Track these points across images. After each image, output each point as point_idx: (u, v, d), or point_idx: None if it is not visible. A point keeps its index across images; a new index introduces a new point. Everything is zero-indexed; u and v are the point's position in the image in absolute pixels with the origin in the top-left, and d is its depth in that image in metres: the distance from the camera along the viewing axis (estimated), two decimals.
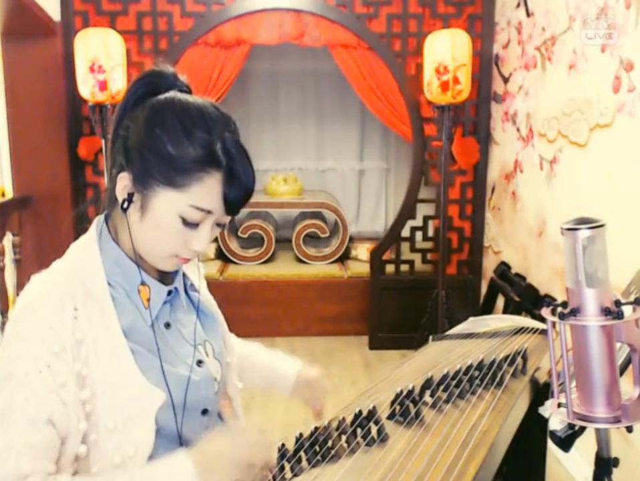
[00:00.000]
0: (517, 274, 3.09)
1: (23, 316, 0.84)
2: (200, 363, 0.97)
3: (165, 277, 0.97)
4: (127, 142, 0.88)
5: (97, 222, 0.95)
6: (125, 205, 0.88)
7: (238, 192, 0.87)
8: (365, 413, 1.03)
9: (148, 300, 0.92)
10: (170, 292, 0.96)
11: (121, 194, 0.89)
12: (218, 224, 0.92)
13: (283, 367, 1.26)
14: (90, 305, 0.86)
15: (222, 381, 1.02)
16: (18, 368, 0.80)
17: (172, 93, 0.90)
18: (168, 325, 0.96)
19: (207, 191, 0.85)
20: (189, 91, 0.94)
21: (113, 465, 0.85)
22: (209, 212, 0.87)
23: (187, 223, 0.87)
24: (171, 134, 0.85)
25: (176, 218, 0.86)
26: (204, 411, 0.97)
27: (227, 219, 0.92)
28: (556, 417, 1.02)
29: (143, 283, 0.92)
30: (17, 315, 0.84)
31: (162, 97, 0.89)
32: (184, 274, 1.03)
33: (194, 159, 0.84)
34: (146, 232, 0.89)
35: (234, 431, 0.90)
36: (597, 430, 1.02)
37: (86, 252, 0.92)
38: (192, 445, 0.94)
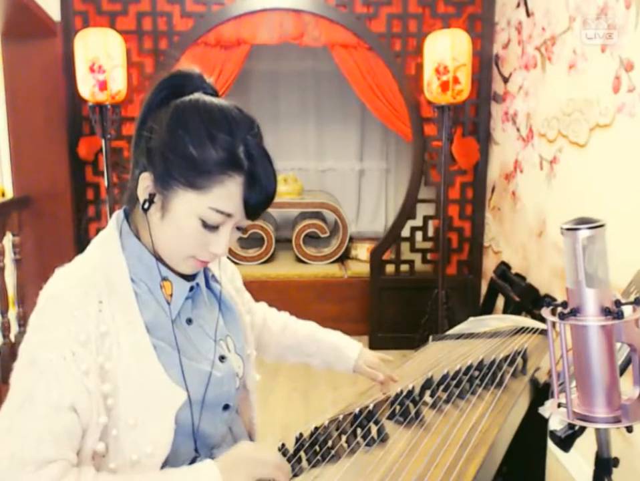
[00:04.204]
0: (517, 274, 3.09)
1: (48, 306, 0.84)
2: (222, 358, 0.97)
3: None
4: (150, 143, 0.88)
5: (117, 218, 0.95)
6: (146, 205, 0.88)
7: (259, 196, 0.87)
8: (365, 413, 1.03)
9: (171, 295, 0.92)
10: (191, 288, 0.96)
11: (142, 194, 0.89)
12: (238, 228, 0.92)
13: (345, 348, 1.29)
14: (114, 300, 0.86)
15: (244, 374, 1.02)
16: (42, 355, 0.80)
17: (196, 95, 0.90)
18: (189, 321, 0.96)
19: (228, 194, 0.85)
20: (215, 93, 0.94)
21: (131, 462, 0.85)
22: (229, 215, 0.87)
23: (207, 225, 0.87)
24: (193, 136, 0.85)
25: (195, 220, 0.86)
26: (226, 407, 0.97)
27: (247, 222, 0.92)
28: (556, 417, 1.02)
29: (165, 279, 0.92)
30: (42, 305, 0.84)
31: (186, 98, 0.89)
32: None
33: (215, 161, 0.84)
34: (166, 233, 0.89)
35: (260, 445, 0.91)
36: (597, 430, 1.02)
37: (107, 248, 0.92)
38: (211, 439, 0.96)
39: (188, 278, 0.96)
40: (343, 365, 1.28)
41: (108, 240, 0.93)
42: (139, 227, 0.93)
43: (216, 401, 0.95)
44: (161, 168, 0.86)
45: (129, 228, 0.93)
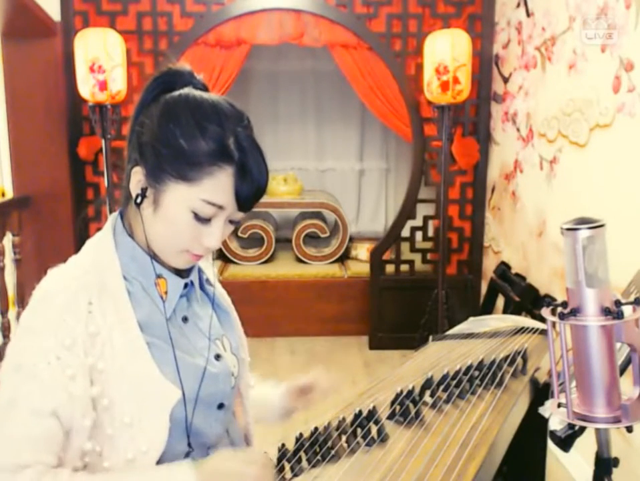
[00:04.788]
0: (517, 274, 3.09)
1: (38, 308, 0.84)
2: (218, 357, 0.97)
3: (181, 270, 0.97)
4: (142, 137, 0.88)
5: (112, 218, 0.96)
6: (138, 200, 0.89)
7: (250, 187, 0.87)
8: (365, 413, 1.03)
9: (165, 293, 0.93)
10: (186, 286, 0.97)
11: (135, 188, 0.89)
12: (231, 221, 0.92)
13: (268, 397, 1.20)
14: (106, 299, 0.86)
15: (238, 376, 1.02)
16: (27, 359, 0.80)
17: (186, 90, 0.90)
18: (185, 319, 0.96)
19: (219, 185, 0.85)
20: (205, 89, 0.94)
21: (126, 461, 0.85)
22: (221, 207, 0.87)
23: (199, 218, 0.87)
24: (184, 128, 0.85)
25: (187, 213, 0.86)
26: (220, 406, 0.97)
27: (239, 215, 0.92)
28: (556, 417, 1.02)
29: (159, 276, 0.92)
30: (32, 307, 0.85)
31: (176, 93, 0.90)
32: (199, 269, 1.03)
33: (206, 153, 0.84)
34: (159, 227, 0.89)
35: (241, 454, 0.88)
36: (597, 430, 1.03)
37: (102, 247, 0.92)
38: (206, 438, 0.96)
39: (182, 275, 0.96)
40: (270, 415, 1.21)
41: (102, 240, 0.93)
42: (132, 223, 0.94)
43: (211, 398, 0.95)
44: (152, 161, 0.87)
45: (123, 227, 0.94)
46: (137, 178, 0.89)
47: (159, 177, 0.86)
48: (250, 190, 0.87)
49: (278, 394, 1.20)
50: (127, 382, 0.85)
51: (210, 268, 1.07)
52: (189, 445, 0.93)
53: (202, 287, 1.03)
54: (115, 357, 0.84)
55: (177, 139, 0.85)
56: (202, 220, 0.87)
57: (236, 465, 0.83)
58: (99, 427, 0.84)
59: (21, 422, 0.77)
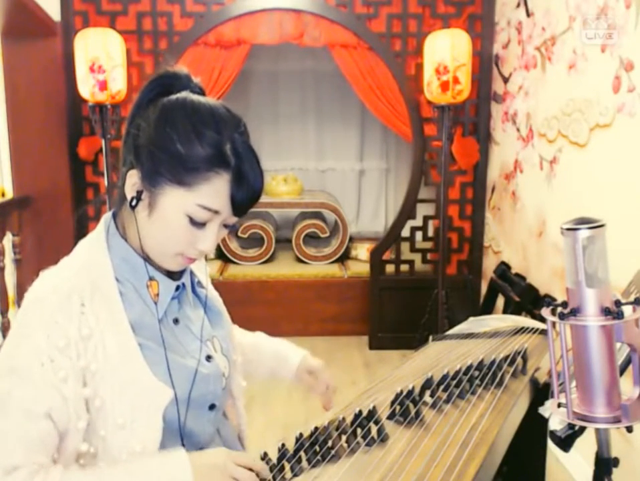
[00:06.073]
0: (517, 274, 3.09)
1: (31, 310, 0.84)
2: (209, 358, 0.97)
3: (173, 273, 0.97)
4: (138, 140, 0.88)
5: (105, 219, 0.96)
6: (133, 202, 0.89)
7: (245, 193, 0.88)
8: (365, 413, 1.03)
9: (157, 295, 0.93)
10: (177, 288, 0.97)
11: (130, 191, 0.89)
12: (226, 225, 0.92)
13: (288, 353, 1.27)
14: (98, 301, 0.86)
15: (229, 377, 1.03)
16: (20, 360, 0.80)
17: (184, 94, 0.91)
18: (176, 321, 0.96)
19: (215, 191, 0.86)
20: (202, 93, 0.95)
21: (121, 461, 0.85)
22: (216, 212, 0.87)
23: (194, 222, 0.87)
24: (181, 133, 0.85)
25: (183, 217, 0.87)
26: (212, 407, 0.98)
27: (234, 220, 0.92)
28: (556, 417, 1.02)
29: (151, 278, 0.93)
30: (25, 308, 0.85)
31: (173, 97, 0.90)
32: (191, 272, 1.03)
33: (202, 158, 0.85)
34: (153, 230, 0.89)
35: (232, 452, 0.90)
36: (597, 430, 1.02)
37: (94, 248, 0.92)
38: (198, 440, 0.96)
39: (174, 277, 0.97)
40: (285, 371, 1.26)
41: (95, 241, 0.93)
42: (126, 226, 0.94)
43: (202, 399, 0.95)
44: (148, 164, 0.87)
45: (116, 228, 0.94)
46: (132, 181, 0.89)
47: (155, 181, 0.86)
48: (245, 196, 0.88)
49: (296, 362, 1.26)
50: (120, 383, 0.85)
51: (203, 271, 1.08)
52: (182, 446, 0.93)
53: (193, 290, 1.03)
54: (108, 358, 0.85)
55: (174, 144, 0.85)
56: (197, 224, 0.88)
57: (231, 463, 0.85)
58: (92, 429, 0.84)
59: (14, 424, 0.78)
